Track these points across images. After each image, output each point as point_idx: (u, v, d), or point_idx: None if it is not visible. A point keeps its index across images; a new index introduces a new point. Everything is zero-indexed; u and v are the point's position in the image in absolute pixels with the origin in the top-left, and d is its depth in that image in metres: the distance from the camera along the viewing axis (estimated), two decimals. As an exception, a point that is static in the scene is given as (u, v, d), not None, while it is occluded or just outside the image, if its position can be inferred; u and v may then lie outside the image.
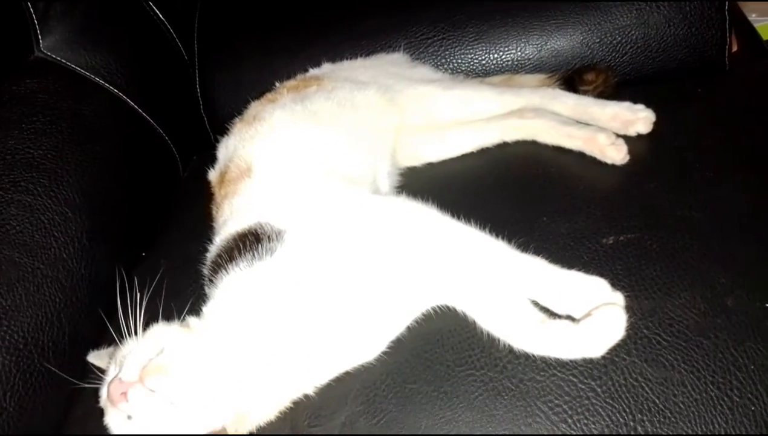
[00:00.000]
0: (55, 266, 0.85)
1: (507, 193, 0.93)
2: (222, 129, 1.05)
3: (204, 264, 0.83)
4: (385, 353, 0.74)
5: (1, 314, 0.77)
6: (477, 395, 0.70)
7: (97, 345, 0.81)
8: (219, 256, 0.78)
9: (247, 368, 0.68)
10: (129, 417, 0.63)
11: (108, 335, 0.82)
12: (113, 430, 0.65)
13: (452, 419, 0.69)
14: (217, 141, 1.04)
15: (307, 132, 0.90)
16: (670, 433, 0.65)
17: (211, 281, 0.78)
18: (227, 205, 0.86)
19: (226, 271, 0.75)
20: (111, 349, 0.76)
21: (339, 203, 0.79)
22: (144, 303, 0.69)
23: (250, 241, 0.76)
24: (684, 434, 0.64)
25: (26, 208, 0.86)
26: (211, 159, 1.02)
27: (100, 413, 0.71)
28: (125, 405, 0.62)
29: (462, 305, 0.75)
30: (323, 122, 0.92)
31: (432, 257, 0.75)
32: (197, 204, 1.02)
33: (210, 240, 0.87)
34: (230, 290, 0.73)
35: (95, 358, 0.78)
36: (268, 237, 0.75)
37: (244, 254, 0.75)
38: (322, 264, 0.73)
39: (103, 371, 0.75)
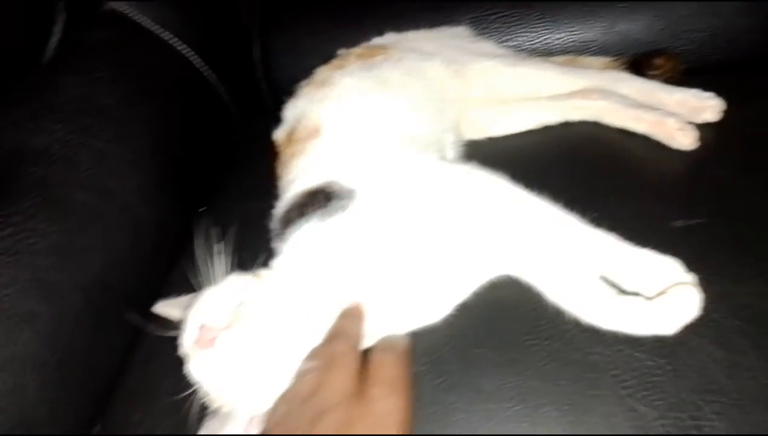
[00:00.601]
0: (124, 211, 0.86)
1: (572, 172, 0.92)
2: (278, 94, 1.05)
3: (269, 220, 0.84)
4: (451, 315, 0.74)
5: (75, 254, 0.78)
6: (543, 364, 0.70)
7: (159, 295, 0.83)
8: (288, 212, 0.79)
9: (319, 319, 0.69)
10: (213, 362, 0.65)
11: (169, 287, 0.84)
12: (197, 375, 0.66)
13: (518, 385, 0.69)
14: (276, 106, 1.04)
15: (376, 98, 0.91)
16: (736, 415, 0.65)
17: (279, 235, 0.79)
18: (295, 164, 0.87)
19: (296, 226, 0.75)
20: (183, 298, 0.77)
21: (410, 167, 0.80)
22: (220, 253, 0.70)
23: (321, 198, 0.77)
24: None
25: (97, 153, 0.88)
26: (266, 124, 1.03)
27: (166, 360, 0.72)
28: (212, 351, 0.63)
29: (529, 276, 0.75)
30: (392, 90, 0.92)
31: (502, 226, 0.75)
32: (254, 166, 1.03)
33: (270, 199, 0.88)
34: (302, 244, 0.73)
35: (164, 307, 0.80)
36: (339, 195, 0.76)
37: (315, 210, 0.75)
38: (392, 223, 0.73)
39: (168, 322, 0.77)
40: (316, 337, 0.68)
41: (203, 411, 0.68)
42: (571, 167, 0.94)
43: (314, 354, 0.65)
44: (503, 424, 0.68)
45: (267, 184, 0.93)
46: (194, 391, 0.66)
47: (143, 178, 0.91)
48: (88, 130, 0.90)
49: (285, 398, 0.62)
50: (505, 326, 0.74)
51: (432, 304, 0.74)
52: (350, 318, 0.69)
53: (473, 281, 0.76)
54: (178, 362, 0.68)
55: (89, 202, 0.83)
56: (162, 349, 0.75)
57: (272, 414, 0.62)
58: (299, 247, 0.74)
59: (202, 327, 0.64)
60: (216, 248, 0.70)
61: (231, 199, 1.06)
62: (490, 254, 0.76)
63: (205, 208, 1.05)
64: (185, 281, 0.77)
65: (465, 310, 0.75)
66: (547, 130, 1.02)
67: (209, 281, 0.70)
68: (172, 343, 0.70)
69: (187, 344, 0.67)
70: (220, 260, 0.70)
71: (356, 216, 0.73)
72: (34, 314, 0.72)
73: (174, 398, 0.68)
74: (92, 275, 0.80)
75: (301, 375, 0.63)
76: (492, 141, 1.03)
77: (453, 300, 0.75)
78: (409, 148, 0.83)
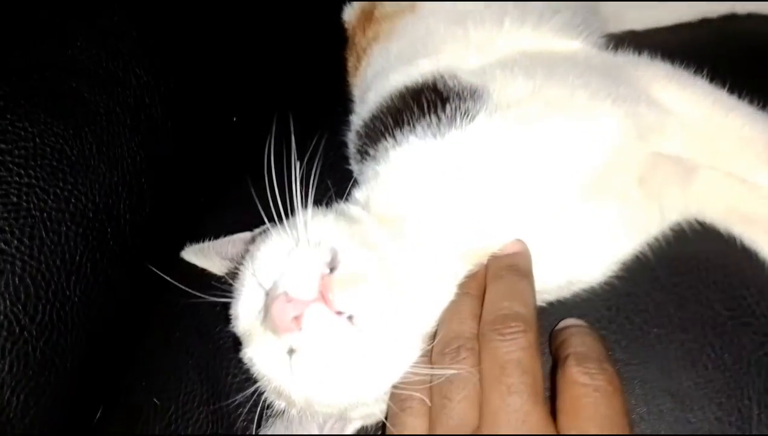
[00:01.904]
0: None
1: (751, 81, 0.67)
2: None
3: (345, 134, 0.60)
4: (617, 277, 0.51)
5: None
6: (753, 354, 0.48)
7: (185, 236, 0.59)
8: (376, 120, 0.54)
9: (447, 277, 0.46)
10: (292, 351, 0.42)
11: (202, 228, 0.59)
12: (263, 369, 0.44)
13: (718, 387, 0.47)
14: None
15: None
16: None
17: (362, 155, 0.54)
18: (379, 51, 0.61)
19: (392, 141, 0.51)
20: (223, 242, 0.53)
21: (561, 55, 0.54)
22: (299, 175, 0.45)
23: (431, 99, 0.51)
24: None
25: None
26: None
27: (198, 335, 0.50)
28: (296, 335, 0.40)
29: (733, 223, 0.52)
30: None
31: (689, 141, 0.51)
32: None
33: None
34: (407, 169, 0.49)
35: (195, 254, 0.55)
36: (458, 95, 0.51)
37: (423, 117, 0.50)
38: (541, 138, 0.48)
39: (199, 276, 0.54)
40: (441, 304, 0.46)
41: (262, 411, 0.46)
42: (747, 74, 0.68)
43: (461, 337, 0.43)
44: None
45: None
46: (255, 387, 0.44)
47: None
48: None
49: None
50: (697, 295, 0.51)
51: (592, 256, 0.50)
52: (515, 271, 0.45)
53: (648, 227, 0.52)
54: (220, 341, 0.46)
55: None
56: (192, 319, 0.52)
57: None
58: (403, 173, 0.49)
59: (281, 298, 0.40)
60: (294, 166, 0.45)
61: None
62: (671, 186, 0.52)
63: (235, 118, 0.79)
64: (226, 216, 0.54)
65: (638, 270, 0.52)
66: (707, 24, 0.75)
67: (279, 221, 0.46)
68: (209, 310, 0.47)
69: (248, 320, 0.45)
70: (297, 184, 0.45)
71: (489, 128, 0.48)
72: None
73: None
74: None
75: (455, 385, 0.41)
76: (635, 35, 0.76)
77: (615, 254, 0.51)
78: (554, 23, 0.57)
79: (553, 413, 0.40)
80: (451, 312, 0.46)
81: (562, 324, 0.48)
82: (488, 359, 0.41)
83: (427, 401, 0.42)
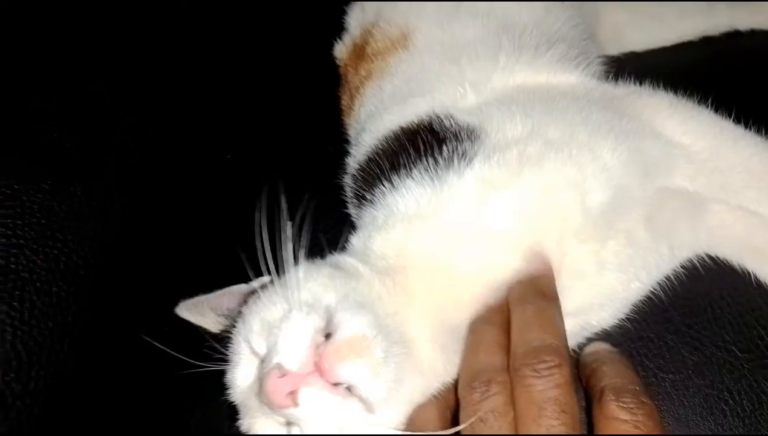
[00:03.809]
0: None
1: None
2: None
3: (341, 177, 0.58)
4: (629, 319, 0.49)
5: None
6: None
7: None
8: (372, 163, 0.53)
9: (459, 330, 0.44)
10: (290, 424, 0.40)
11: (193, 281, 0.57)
12: None
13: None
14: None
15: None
16: None
17: (360, 198, 0.53)
18: (372, 90, 0.59)
19: (390, 184, 0.49)
20: (216, 296, 0.52)
21: (559, 90, 0.52)
22: (288, 233, 0.43)
23: (427, 141, 0.50)
24: None
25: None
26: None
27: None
28: (292, 410, 0.38)
29: (746, 258, 0.50)
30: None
31: (696, 175, 0.50)
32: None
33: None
34: (408, 213, 0.47)
35: (191, 311, 0.52)
36: (455, 136, 0.49)
37: (420, 159, 0.49)
38: (539, 180, 0.46)
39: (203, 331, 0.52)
40: (452, 362, 0.44)
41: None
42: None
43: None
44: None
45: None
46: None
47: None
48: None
49: None
50: (711, 337, 0.49)
51: (602, 299, 0.48)
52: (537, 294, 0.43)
53: (658, 266, 0.50)
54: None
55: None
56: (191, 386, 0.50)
57: None
58: (401, 220, 0.47)
59: (266, 375, 0.38)
60: (285, 225, 0.43)
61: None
62: (679, 221, 0.50)
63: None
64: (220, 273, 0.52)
65: (650, 312, 0.50)
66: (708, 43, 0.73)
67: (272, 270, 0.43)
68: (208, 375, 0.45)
69: (244, 391, 0.43)
70: (288, 243, 0.42)
71: (487, 171, 0.46)
72: None
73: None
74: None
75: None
76: (636, 56, 0.74)
77: (628, 296, 0.49)
78: (551, 60, 0.55)
79: None
80: (475, 342, 0.43)
81: (590, 349, 0.47)
82: (523, 398, 0.38)
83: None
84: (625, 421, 0.38)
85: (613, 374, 0.42)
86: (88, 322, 0.53)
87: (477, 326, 0.44)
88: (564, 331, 0.42)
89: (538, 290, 0.44)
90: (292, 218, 0.43)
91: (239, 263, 0.44)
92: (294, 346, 0.38)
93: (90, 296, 0.54)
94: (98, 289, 0.55)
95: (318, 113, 0.67)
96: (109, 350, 0.55)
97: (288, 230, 0.42)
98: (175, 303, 0.52)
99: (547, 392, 0.38)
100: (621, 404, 0.38)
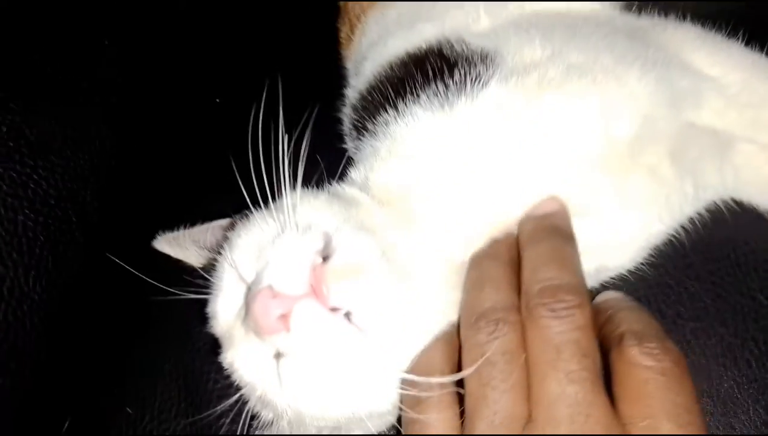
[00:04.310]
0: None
1: None
2: None
3: (340, 108, 0.54)
4: (648, 264, 0.45)
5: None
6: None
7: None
8: (374, 91, 0.48)
9: (459, 262, 0.40)
10: (279, 354, 0.36)
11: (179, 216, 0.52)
12: (246, 376, 0.38)
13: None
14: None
15: None
16: None
17: (360, 130, 0.48)
18: (375, 18, 0.55)
19: (395, 111, 0.45)
20: (199, 230, 0.47)
21: (581, 16, 0.48)
22: (286, 154, 0.38)
23: (436, 66, 0.45)
24: None
25: None
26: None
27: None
28: (283, 337, 0.34)
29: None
30: None
31: (725, 110, 0.46)
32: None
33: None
34: (414, 141, 0.42)
35: (171, 244, 0.48)
36: (468, 60, 0.45)
37: (428, 85, 0.44)
38: (562, 105, 0.42)
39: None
40: (455, 296, 0.39)
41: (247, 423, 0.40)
42: None
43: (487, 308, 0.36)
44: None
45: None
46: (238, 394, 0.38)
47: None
48: None
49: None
50: (735, 285, 0.45)
51: (621, 238, 0.44)
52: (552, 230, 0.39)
53: (681, 206, 0.45)
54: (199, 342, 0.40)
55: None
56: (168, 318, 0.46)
57: None
58: (407, 148, 0.43)
59: (255, 296, 0.34)
60: (283, 139, 0.38)
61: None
62: (710, 158, 0.46)
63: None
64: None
65: (669, 258, 0.46)
66: None
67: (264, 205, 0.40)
68: (187, 308, 0.41)
69: (227, 320, 0.38)
70: (286, 162, 0.38)
71: (505, 94, 0.42)
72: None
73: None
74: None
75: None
76: None
77: (650, 235, 0.45)
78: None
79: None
80: (478, 278, 0.38)
81: (603, 297, 0.42)
82: (539, 340, 0.34)
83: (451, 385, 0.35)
84: (650, 367, 0.33)
85: (633, 319, 0.38)
86: (57, 255, 0.48)
87: (481, 261, 0.40)
88: (582, 271, 0.38)
89: (553, 227, 0.39)
90: (289, 133, 0.38)
91: (235, 188, 0.40)
92: (288, 266, 0.34)
93: (60, 229, 0.49)
94: (70, 221, 0.50)
95: (318, 38, 0.62)
96: (79, 287, 0.50)
97: (285, 144, 0.38)
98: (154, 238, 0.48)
99: (567, 333, 0.34)
100: (645, 350, 0.34)
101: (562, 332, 0.34)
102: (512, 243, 0.41)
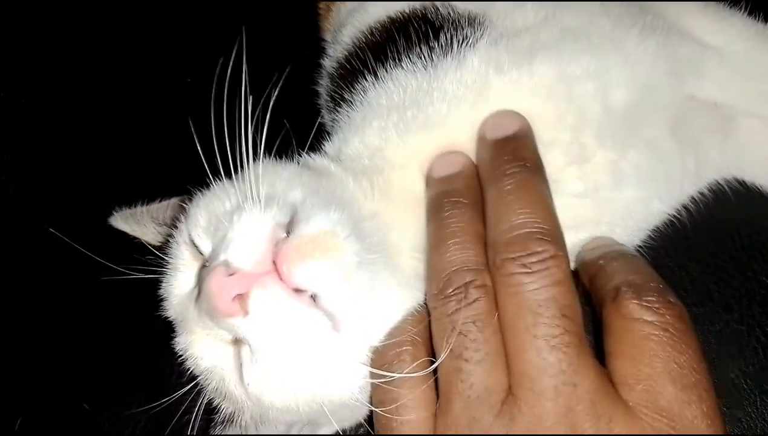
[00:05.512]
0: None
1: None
2: None
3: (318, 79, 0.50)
4: (647, 247, 0.42)
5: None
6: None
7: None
8: (356, 57, 0.45)
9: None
10: (237, 340, 0.32)
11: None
12: (201, 364, 0.34)
13: None
14: None
15: None
16: None
17: (337, 100, 0.45)
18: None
19: (374, 77, 0.41)
20: (158, 206, 0.43)
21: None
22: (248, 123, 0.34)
23: (420, 29, 0.42)
24: None
25: None
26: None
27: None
28: (240, 321, 0.30)
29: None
30: None
31: (728, 81, 0.43)
32: None
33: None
34: (393, 104, 0.39)
35: (128, 221, 0.44)
36: (454, 24, 0.41)
37: (411, 49, 0.41)
38: (555, 68, 0.38)
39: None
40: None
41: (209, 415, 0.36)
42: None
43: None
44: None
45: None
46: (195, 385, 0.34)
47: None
48: None
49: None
50: (739, 268, 0.42)
51: (619, 217, 0.40)
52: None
53: (682, 184, 0.42)
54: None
55: None
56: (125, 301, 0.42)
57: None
58: (384, 113, 0.39)
59: (211, 273, 0.30)
60: (246, 101, 0.34)
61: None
62: (712, 133, 0.43)
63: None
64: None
65: (669, 239, 0.43)
66: None
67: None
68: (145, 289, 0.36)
69: (181, 301, 0.34)
70: (249, 128, 0.33)
71: (493, 54, 0.38)
72: None
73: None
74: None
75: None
76: None
77: (649, 214, 0.42)
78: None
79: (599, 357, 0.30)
80: (438, 234, 0.34)
81: (589, 245, 0.37)
82: (511, 301, 0.30)
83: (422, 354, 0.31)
84: (650, 322, 0.30)
85: (629, 269, 0.33)
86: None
87: (439, 205, 0.34)
88: (554, 209, 0.33)
89: (515, 155, 0.34)
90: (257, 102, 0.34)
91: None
92: (246, 240, 0.30)
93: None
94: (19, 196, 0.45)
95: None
96: (22, 267, 0.45)
97: (249, 106, 0.34)
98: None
99: (542, 291, 0.30)
100: (644, 303, 0.30)
101: (536, 290, 0.30)
102: (471, 175, 0.36)
